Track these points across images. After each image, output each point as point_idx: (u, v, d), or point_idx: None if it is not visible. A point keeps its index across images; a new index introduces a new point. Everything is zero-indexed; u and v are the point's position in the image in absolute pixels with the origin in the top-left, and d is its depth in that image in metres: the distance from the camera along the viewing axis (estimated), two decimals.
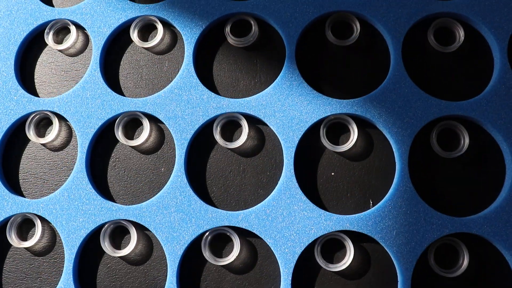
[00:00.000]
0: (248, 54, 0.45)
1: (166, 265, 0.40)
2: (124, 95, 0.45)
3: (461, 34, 0.43)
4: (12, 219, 0.42)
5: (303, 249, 0.39)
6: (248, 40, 0.44)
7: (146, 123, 0.43)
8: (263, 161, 0.42)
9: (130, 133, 0.44)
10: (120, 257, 0.41)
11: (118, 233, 0.42)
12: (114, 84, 0.45)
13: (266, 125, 0.42)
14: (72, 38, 0.46)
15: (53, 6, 0.48)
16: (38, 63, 0.47)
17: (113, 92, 0.44)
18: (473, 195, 0.40)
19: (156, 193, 0.42)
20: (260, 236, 0.39)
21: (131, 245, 0.41)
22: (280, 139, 0.42)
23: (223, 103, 0.43)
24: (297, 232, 0.39)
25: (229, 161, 0.43)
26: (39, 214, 0.42)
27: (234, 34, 0.45)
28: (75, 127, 0.44)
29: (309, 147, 0.42)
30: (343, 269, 0.39)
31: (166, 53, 0.46)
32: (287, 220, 0.40)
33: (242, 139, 0.42)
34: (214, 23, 0.46)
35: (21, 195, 0.44)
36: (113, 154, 0.44)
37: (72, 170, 0.43)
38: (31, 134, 0.44)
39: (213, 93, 0.43)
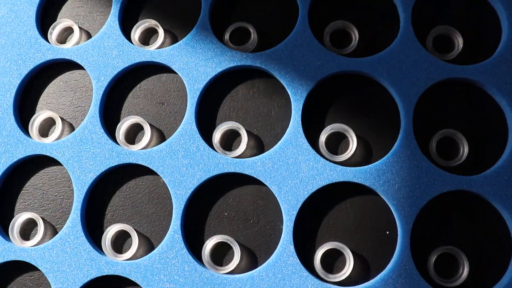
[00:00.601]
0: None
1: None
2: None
3: (459, 41, 0.44)
4: (14, 219, 0.42)
5: (306, 197, 0.40)
6: (247, 47, 0.45)
7: (147, 127, 0.43)
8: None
9: (132, 138, 0.44)
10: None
11: (120, 238, 0.42)
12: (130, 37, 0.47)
13: (275, 78, 0.44)
14: (75, 37, 0.47)
15: None
16: (58, 16, 0.49)
17: (129, 43, 0.46)
18: (476, 156, 0.41)
19: (166, 139, 0.43)
20: (265, 183, 0.41)
21: (133, 249, 0.41)
22: (288, 92, 0.43)
23: (235, 56, 0.44)
24: (301, 180, 0.40)
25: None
26: (51, 155, 0.43)
27: (233, 41, 0.45)
28: (91, 75, 0.45)
29: (316, 100, 0.43)
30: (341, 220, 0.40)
31: None
32: (292, 168, 0.41)
33: (241, 148, 0.42)
34: None
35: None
36: (125, 105, 0.45)
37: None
38: (33, 133, 0.45)
39: (226, 47, 0.44)
